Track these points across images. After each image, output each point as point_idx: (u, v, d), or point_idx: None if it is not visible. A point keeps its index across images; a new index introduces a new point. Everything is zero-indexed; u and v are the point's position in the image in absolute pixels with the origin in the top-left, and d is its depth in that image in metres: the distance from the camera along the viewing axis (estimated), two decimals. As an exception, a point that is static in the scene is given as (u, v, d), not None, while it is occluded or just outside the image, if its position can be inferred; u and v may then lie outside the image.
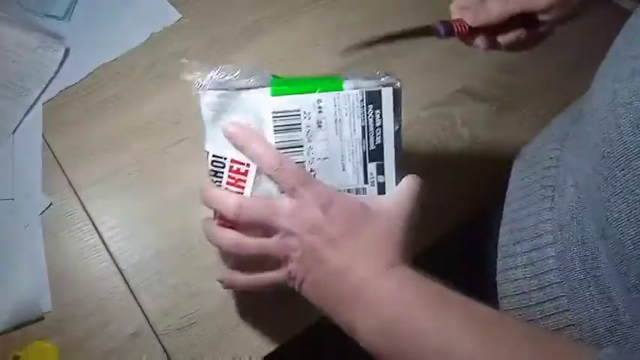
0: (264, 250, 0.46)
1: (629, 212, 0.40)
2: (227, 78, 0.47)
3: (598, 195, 0.43)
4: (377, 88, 0.46)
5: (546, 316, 0.47)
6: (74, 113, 0.66)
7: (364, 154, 0.47)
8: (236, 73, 0.47)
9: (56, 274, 0.58)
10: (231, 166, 0.47)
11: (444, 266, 0.60)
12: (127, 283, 0.58)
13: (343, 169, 0.48)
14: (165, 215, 0.62)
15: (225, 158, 0.47)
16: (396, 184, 0.48)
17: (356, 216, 0.46)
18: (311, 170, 0.47)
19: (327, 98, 0.46)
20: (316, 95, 0.46)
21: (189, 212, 0.62)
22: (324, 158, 0.47)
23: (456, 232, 0.66)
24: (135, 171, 0.64)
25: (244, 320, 0.58)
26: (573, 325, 0.45)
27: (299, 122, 0.46)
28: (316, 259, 0.45)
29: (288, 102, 0.46)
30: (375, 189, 0.48)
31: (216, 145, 0.47)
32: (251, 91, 0.47)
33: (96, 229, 0.60)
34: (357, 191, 0.48)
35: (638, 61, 0.39)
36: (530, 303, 0.49)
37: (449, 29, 0.53)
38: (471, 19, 0.53)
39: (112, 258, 0.59)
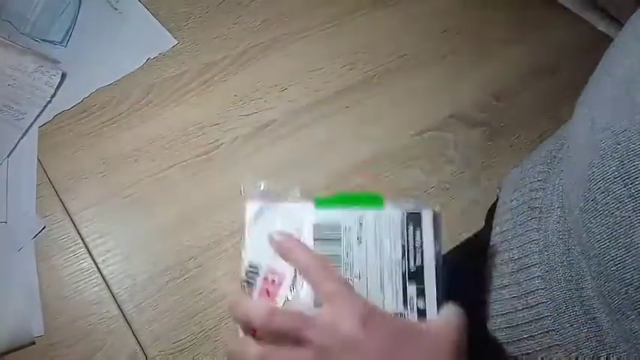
0: None
1: (610, 234, 0.41)
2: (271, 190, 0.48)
3: (580, 217, 0.44)
4: (418, 210, 0.47)
5: (532, 336, 0.48)
6: (70, 137, 0.67)
7: (404, 275, 0.46)
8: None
9: (48, 298, 0.58)
10: (265, 277, 0.45)
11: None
12: (119, 307, 0.58)
13: (381, 290, 0.46)
14: (159, 239, 0.62)
15: (260, 268, 0.45)
16: (437, 312, 0.45)
17: (399, 333, 0.42)
18: None
19: (369, 215, 0.46)
20: (359, 212, 0.46)
21: (182, 236, 0.62)
22: (362, 277, 0.45)
23: (448, 252, 0.66)
24: (129, 195, 0.64)
25: (237, 345, 0.57)
26: (558, 345, 0.46)
27: (339, 236, 0.46)
28: None
29: (331, 215, 0.46)
30: (415, 314, 0.45)
31: (254, 253, 0.46)
32: (296, 202, 0.47)
33: (89, 252, 0.60)
34: (396, 316, 0.45)
35: (617, 88, 0.40)
36: (517, 323, 0.49)
37: None
38: None
39: (105, 282, 0.59)
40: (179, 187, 0.65)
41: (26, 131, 0.66)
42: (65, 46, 0.73)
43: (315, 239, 0.46)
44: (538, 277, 0.50)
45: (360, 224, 0.46)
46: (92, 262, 0.60)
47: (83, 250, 0.61)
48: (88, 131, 0.67)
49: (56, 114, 0.68)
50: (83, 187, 0.64)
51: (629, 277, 0.40)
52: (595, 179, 0.42)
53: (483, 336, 0.56)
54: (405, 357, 0.41)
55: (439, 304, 0.45)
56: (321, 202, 0.47)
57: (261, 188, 0.48)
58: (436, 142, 0.72)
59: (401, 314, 0.45)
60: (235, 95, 0.72)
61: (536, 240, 0.51)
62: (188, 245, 0.62)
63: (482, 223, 0.64)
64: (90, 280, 0.59)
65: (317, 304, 0.43)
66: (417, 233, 0.46)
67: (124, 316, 0.58)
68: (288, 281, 0.45)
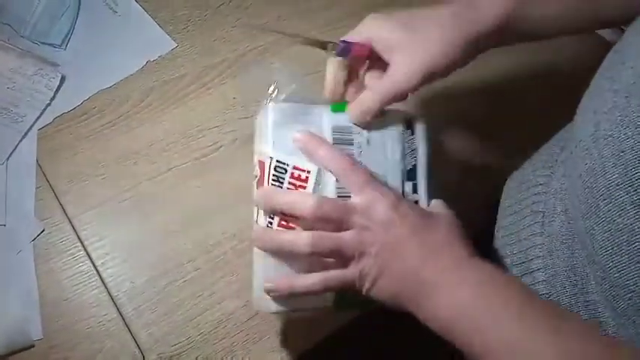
0: (340, 245, 0.46)
1: (613, 241, 0.41)
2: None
3: (583, 223, 0.44)
4: (413, 116, 0.54)
5: None
6: (69, 140, 0.67)
7: (402, 172, 0.52)
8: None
9: (47, 301, 0.58)
10: (292, 173, 0.48)
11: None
12: (118, 310, 0.58)
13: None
14: (158, 242, 0.62)
15: (287, 164, 0.48)
16: (427, 205, 0.52)
17: (424, 215, 0.48)
18: None
19: (375, 120, 0.51)
20: None
21: (181, 239, 0.62)
22: (372, 174, 0.50)
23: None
24: (128, 198, 0.64)
25: (237, 348, 0.57)
26: None
27: (352, 138, 0.51)
28: (394, 252, 0.46)
29: (345, 119, 0.51)
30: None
31: (280, 151, 0.49)
32: (314, 106, 0.52)
33: (88, 255, 0.60)
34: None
35: (618, 94, 0.40)
36: None
37: (347, 49, 0.53)
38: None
39: (104, 285, 0.59)
40: (178, 190, 0.65)
41: (25, 134, 0.66)
42: (65, 49, 0.73)
43: (333, 140, 0.50)
44: (542, 281, 0.50)
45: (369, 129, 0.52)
46: (91, 264, 0.60)
47: (82, 252, 0.61)
48: (87, 134, 0.67)
49: (55, 117, 0.68)
50: (82, 190, 0.64)
51: (632, 283, 0.40)
52: (598, 186, 0.42)
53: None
54: (430, 235, 0.47)
55: (429, 198, 0.53)
56: (335, 108, 0.52)
57: (292, 87, 0.52)
58: (436, 143, 0.72)
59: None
60: (234, 98, 0.72)
61: (540, 244, 0.51)
62: (187, 248, 0.62)
63: (484, 227, 0.63)
64: (89, 283, 0.59)
65: (340, 194, 0.48)
66: (412, 138, 0.53)
67: (122, 318, 0.58)
68: (313, 177, 0.48)
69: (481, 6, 0.50)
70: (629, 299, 0.41)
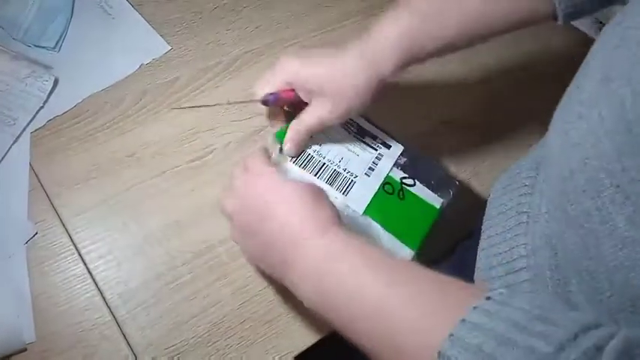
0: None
1: (582, 245, 0.42)
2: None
3: (557, 227, 0.45)
4: None
5: None
6: (62, 143, 0.67)
7: (355, 137, 0.64)
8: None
9: (40, 305, 0.58)
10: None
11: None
12: (112, 313, 0.58)
13: (358, 156, 0.63)
14: (151, 245, 0.62)
15: None
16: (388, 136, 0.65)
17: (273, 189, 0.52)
18: (337, 173, 0.62)
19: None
20: None
21: (175, 242, 0.62)
22: (341, 159, 0.62)
23: (438, 255, 0.67)
24: (121, 200, 0.64)
25: (231, 351, 0.57)
26: None
27: (308, 153, 0.63)
28: (249, 229, 0.52)
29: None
30: (384, 148, 0.64)
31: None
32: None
33: (81, 258, 0.60)
34: (378, 158, 0.63)
35: (583, 105, 0.42)
36: None
37: (273, 100, 0.62)
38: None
39: (98, 288, 0.59)
40: (172, 193, 0.65)
41: (18, 137, 0.66)
42: (58, 52, 0.73)
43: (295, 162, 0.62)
44: (526, 280, 0.50)
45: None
46: (84, 268, 0.60)
47: (75, 256, 0.60)
48: (80, 137, 0.67)
49: (48, 119, 0.68)
50: (75, 193, 0.64)
51: (601, 286, 0.41)
52: (567, 192, 0.44)
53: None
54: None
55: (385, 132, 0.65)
56: (280, 134, 0.62)
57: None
58: (428, 148, 0.73)
59: (380, 155, 0.64)
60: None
61: (524, 244, 0.52)
62: (181, 251, 0.62)
63: (473, 229, 0.64)
64: (82, 286, 0.59)
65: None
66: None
67: (116, 321, 0.58)
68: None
69: (380, 60, 0.58)
70: (600, 302, 0.42)
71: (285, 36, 0.79)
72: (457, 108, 0.78)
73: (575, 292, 0.45)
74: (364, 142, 0.64)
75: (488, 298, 0.37)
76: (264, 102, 0.62)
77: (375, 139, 0.65)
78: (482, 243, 0.59)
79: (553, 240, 0.48)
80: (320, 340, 0.60)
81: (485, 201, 0.62)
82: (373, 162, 0.63)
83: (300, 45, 0.79)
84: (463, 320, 0.35)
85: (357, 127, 0.64)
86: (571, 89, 0.47)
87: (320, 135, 0.62)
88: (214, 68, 0.75)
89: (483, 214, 0.62)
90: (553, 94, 0.50)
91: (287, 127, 0.61)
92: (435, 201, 0.63)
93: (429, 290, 0.41)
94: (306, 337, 0.59)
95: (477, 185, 0.73)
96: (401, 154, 0.64)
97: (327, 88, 0.58)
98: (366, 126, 0.65)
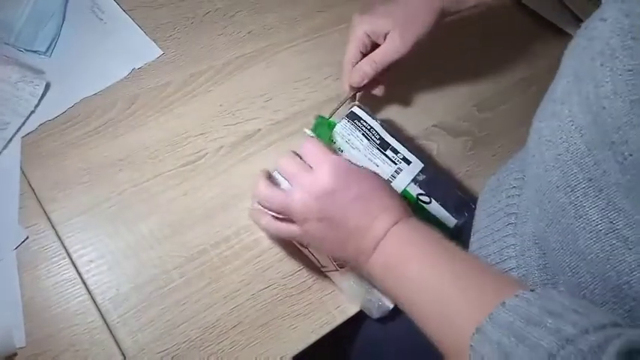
0: (286, 207, 0.54)
1: (561, 242, 0.43)
2: None
3: (538, 225, 0.46)
4: (350, 110, 0.67)
5: None
6: (53, 147, 0.66)
7: (378, 149, 0.65)
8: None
9: (31, 309, 0.57)
10: None
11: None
12: (103, 317, 0.58)
13: (377, 167, 0.64)
14: (143, 249, 0.62)
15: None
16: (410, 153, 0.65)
17: (355, 175, 0.54)
18: None
19: (336, 135, 0.65)
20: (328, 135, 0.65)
21: (166, 246, 0.62)
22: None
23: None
24: (113, 205, 0.64)
25: (223, 355, 0.57)
26: None
27: None
28: (333, 219, 0.52)
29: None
30: (404, 163, 0.65)
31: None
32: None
33: (73, 263, 0.60)
34: (397, 172, 0.64)
35: (556, 103, 0.43)
36: None
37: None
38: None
39: (89, 292, 0.59)
40: (164, 197, 0.65)
41: (9, 141, 0.66)
42: (50, 56, 0.73)
43: None
44: None
45: (333, 142, 0.65)
46: (76, 272, 0.60)
47: (67, 260, 0.60)
48: (72, 141, 0.67)
49: (40, 124, 0.67)
50: (67, 197, 0.64)
51: (583, 281, 0.42)
52: (542, 189, 0.45)
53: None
54: (361, 192, 0.52)
55: (408, 150, 0.65)
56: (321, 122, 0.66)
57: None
58: (421, 150, 0.73)
59: (397, 169, 0.64)
60: (220, 105, 0.73)
61: (513, 245, 0.53)
62: (172, 255, 0.62)
63: (463, 231, 0.64)
64: (73, 291, 0.59)
65: None
66: (362, 122, 0.66)
67: (107, 326, 0.57)
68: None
69: None
70: (584, 296, 0.42)
71: (277, 41, 0.80)
72: (450, 112, 0.78)
73: (564, 291, 0.45)
74: (385, 155, 0.64)
75: (531, 290, 0.39)
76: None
77: (396, 154, 0.65)
78: (472, 245, 0.59)
79: (540, 240, 0.48)
80: (311, 345, 0.60)
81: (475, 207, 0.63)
82: (392, 175, 0.64)
83: (293, 50, 0.79)
84: (503, 303, 0.38)
85: (379, 140, 0.65)
86: (548, 91, 0.48)
87: (343, 143, 0.64)
88: (206, 73, 0.75)
89: (469, 220, 0.62)
90: (540, 97, 0.51)
91: (320, 121, 0.66)
92: (449, 221, 0.63)
93: (482, 283, 0.43)
94: (298, 341, 0.59)
95: (470, 188, 0.73)
96: (420, 171, 0.64)
97: (397, 25, 0.65)
98: (389, 139, 0.65)
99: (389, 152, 0.65)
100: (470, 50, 0.82)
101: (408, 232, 0.50)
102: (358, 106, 0.67)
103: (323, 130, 0.65)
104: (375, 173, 0.55)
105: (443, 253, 0.47)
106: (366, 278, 0.57)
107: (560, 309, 0.36)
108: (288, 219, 0.55)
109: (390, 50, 0.65)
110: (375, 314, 0.58)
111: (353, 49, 0.67)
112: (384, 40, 0.66)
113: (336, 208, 0.51)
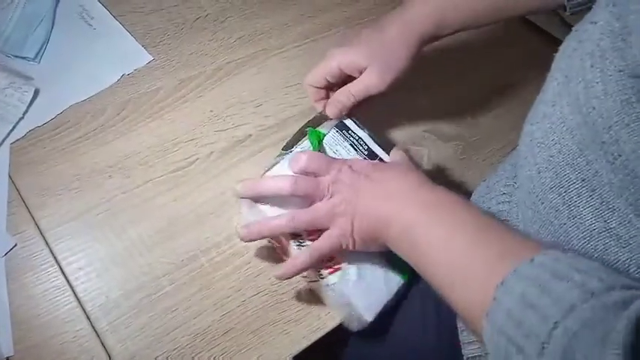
0: (315, 216, 0.53)
1: (555, 242, 0.43)
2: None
3: (531, 228, 0.46)
4: (342, 120, 0.65)
5: None
6: (42, 154, 0.66)
7: (365, 160, 0.62)
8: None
9: (19, 317, 0.57)
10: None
11: (411, 299, 0.61)
12: (92, 325, 0.57)
13: None
14: (132, 256, 0.61)
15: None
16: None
17: (377, 165, 0.57)
18: None
19: (324, 145, 0.63)
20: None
21: (156, 253, 0.62)
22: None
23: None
24: (102, 211, 0.63)
25: (213, 361, 0.57)
26: None
27: None
28: (360, 205, 0.52)
29: None
30: None
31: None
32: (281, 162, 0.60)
33: (61, 270, 0.60)
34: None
35: (547, 105, 0.43)
36: None
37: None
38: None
39: (78, 299, 0.58)
40: (154, 204, 0.65)
41: (-3, 148, 0.65)
42: (39, 62, 0.72)
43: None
44: None
45: (319, 150, 0.62)
46: (64, 279, 0.59)
47: (55, 267, 0.60)
48: (61, 147, 0.67)
49: (29, 130, 0.67)
50: (56, 204, 0.63)
51: None
52: (535, 191, 0.45)
53: (455, 345, 0.57)
54: (385, 173, 0.54)
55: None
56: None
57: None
58: (411, 156, 0.73)
59: None
60: (211, 111, 0.73)
61: None
62: (162, 262, 0.61)
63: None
64: (62, 298, 0.58)
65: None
66: (351, 132, 0.65)
67: (97, 334, 0.57)
68: None
69: (415, 23, 0.63)
70: None
71: (267, 46, 0.80)
72: (440, 117, 0.78)
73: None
74: None
75: (562, 251, 0.39)
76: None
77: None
78: None
79: None
80: (303, 351, 0.59)
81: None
82: None
83: (284, 55, 0.79)
84: (532, 259, 0.38)
85: (367, 150, 0.63)
86: (539, 93, 0.49)
87: (331, 154, 0.62)
88: (197, 79, 0.75)
89: None
90: (531, 101, 0.51)
91: (309, 132, 0.64)
92: None
93: (509, 244, 0.43)
94: (290, 347, 0.59)
95: (462, 193, 0.73)
96: None
97: (375, 62, 0.62)
98: (377, 150, 0.64)
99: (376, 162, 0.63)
100: (459, 55, 0.83)
101: (426, 198, 0.51)
102: (348, 117, 0.66)
103: (313, 141, 0.63)
104: None
105: (459, 215, 0.48)
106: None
107: (587, 267, 0.36)
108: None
109: (369, 86, 0.63)
110: (354, 327, 0.57)
111: (319, 74, 0.64)
112: (360, 74, 0.63)
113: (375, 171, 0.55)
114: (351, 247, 0.53)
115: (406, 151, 0.61)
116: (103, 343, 0.56)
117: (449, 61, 0.83)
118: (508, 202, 0.55)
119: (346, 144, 0.63)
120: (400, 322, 0.61)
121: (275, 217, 0.54)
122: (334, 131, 0.64)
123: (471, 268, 0.42)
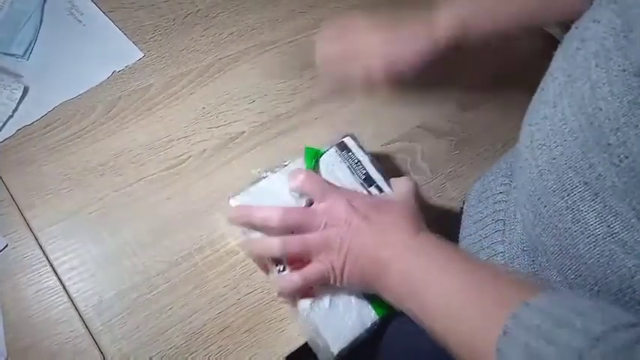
0: (306, 244, 0.53)
1: (559, 246, 0.43)
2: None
3: (532, 230, 0.46)
4: (341, 140, 0.63)
5: None
6: (32, 152, 0.65)
7: (362, 184, 0.61)
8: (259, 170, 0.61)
9: (12, 319, 0.56)
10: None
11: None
12: (86, 325, 0.57)
13: None
14: (126, 255, 0.61)
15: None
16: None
17: (377, 202, 0.55)
18: None
19: (320, 162, 0.61)
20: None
21: (150, 252, 0.61)
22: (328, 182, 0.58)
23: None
24: (94, 210, 0.63)
25: (208, 361, 0.57)
26: None
27: None
28: (354, 242, 0.51)
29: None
30: None
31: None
32: (268, 178, 0.60)
33: (54, 270, 0.59)
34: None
35: (547, 105, 0.43)
36: None
37: None
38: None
39: (71, 300, 0.58)
40: (146, 202, 0.64)
41: (-13, 147, 0.64)
42: (27, 60, 0.71)
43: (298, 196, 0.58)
44: None
45: (315, 169, 0.61)
46: (57, 280, 0.59)
47: (47, 268, 0.59)
48: (51, 146, 0.66)
49: (18, 129, 0.66)
50: (47, 204, 0.62)
51: (587, 283, 0.42)
52: (537, 194, 0.44)
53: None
54: (383, 217, 0.53)
55: (388, 184, 0.61)
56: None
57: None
58: (404, 152, 0.73)
59: None
60: (203, 108, 0.72)
61: (502, 252, 0.52)
62: (156, 260, 0.61)
63: (449, 235, 0.64)
64: (55, 299, 0.58)
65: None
66: (351, 154, 0.62)
67: (91, 334, 0.56)
68: None
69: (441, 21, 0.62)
70: (590, 298, 0.42)
71: (259, 42, 0.79)
72: (433, 112, 0.78)
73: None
74: (368, 191, 0.60)
75: (552, 290, 0.39)
76: None
77: (380, 191, 0.60)
78: None
79: (530, 247, 0.48)
80: (297, 350, 0.59)
81: (462, 208, 0.63)
82: None
83: (276, 51, 0.79)
84: (527, 303, 0.37)
85: (365, 175, 0.61)
86: (537, 92, 0.48)
87: (324, 172, 0.61)
88: (188, 75, 0.74)
89: (453, 224, 0.62)
90: (525, 97, 0.51)
91: (307, 151, 0.63)
92: None
93: (501, 287, 0.43)
94: (285, 345, 0.59)
95: (453, 190, 0.73)
96: None
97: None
98: (375, 175, 0.61)
99: (373, 189, 0.60)
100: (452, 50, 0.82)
101: (421, 244, 0.50)
102: (350, 137, 0.64)
103: (308, 159, 0.62)
104: None
105: (457, 263, 0.47)
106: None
107: (585, 308, 0.35)
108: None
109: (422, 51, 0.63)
110: (321, 357, 0.55)
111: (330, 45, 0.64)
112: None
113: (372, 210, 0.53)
114: (337, 283, 0.53)
115: (415, 185, 0.59)
116: (97, 344, 0.56)
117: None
118: (505, 201, 0.55)
119: (343, 165, 0.61)
120: (396, 325, 0.61)
121: (268, 238, 0.55)
122: (333, 150, 0.63)
123: (470, 316, 0.42)
